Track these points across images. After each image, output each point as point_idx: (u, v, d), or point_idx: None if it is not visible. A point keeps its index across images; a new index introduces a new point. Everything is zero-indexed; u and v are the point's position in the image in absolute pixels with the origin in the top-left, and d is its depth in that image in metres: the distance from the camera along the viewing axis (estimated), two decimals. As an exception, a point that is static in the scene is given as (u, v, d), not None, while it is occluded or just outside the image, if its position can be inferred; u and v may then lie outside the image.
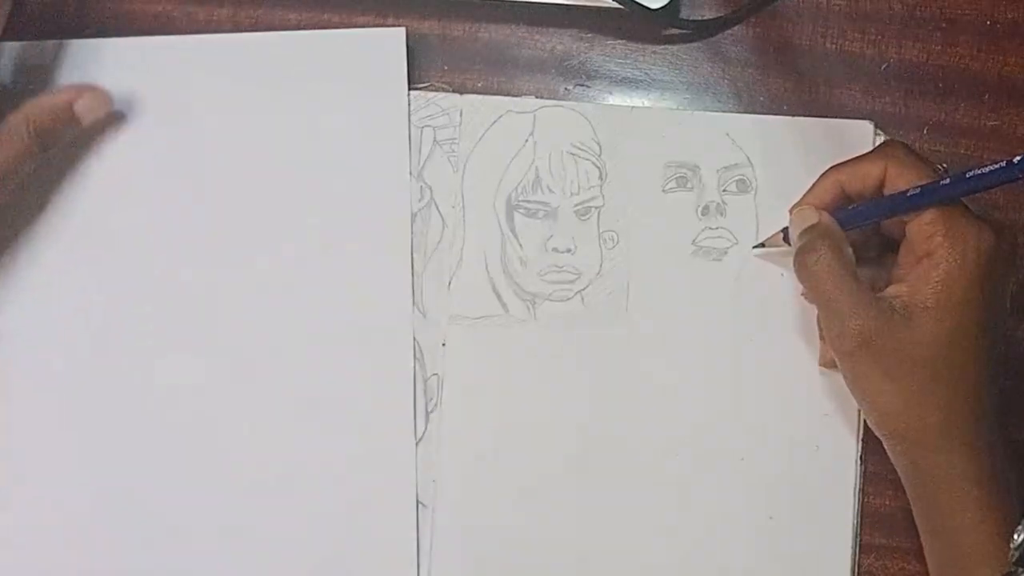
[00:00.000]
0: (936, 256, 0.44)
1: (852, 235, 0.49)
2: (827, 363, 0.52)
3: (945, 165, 0.48)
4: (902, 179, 0.46)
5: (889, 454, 0.47)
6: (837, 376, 0.49)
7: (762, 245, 0.53)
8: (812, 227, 0.48)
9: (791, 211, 0.50)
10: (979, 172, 0.42)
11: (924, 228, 0.45)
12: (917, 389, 0.44)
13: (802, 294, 0.51)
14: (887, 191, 0.47)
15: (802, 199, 0.50)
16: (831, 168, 0.49)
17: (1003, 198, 0.54)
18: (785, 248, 0.51)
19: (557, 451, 0.53)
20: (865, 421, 0.50)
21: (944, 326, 0.44)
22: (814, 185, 0.50)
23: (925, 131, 0.55)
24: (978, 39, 0.55)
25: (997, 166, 0.42)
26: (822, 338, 0.51)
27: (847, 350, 0.46)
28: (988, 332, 0.44)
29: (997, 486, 0.44)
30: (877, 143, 0.53)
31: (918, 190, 0.45)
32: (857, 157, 0.48)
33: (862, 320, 0.45)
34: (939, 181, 0.44)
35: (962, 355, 0.44)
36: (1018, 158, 0.41)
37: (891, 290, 0.45)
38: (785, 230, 0.51)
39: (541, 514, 0.53)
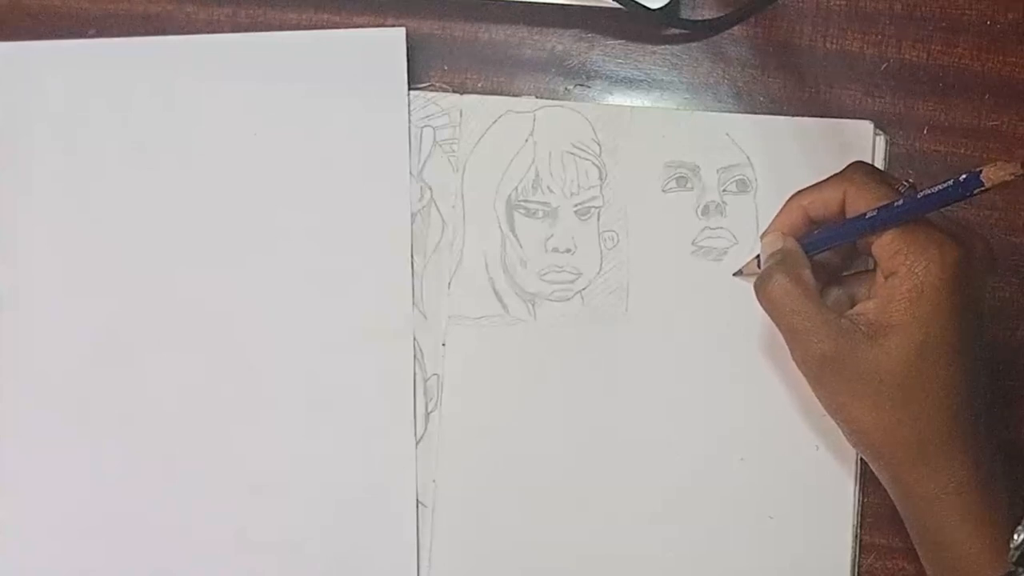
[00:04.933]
0: (900, 274, 0.44)
1: (831, 258, 0.49)
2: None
3: (910, 181, 0.48)
4: (861, 202, 0.46)
5: (875, 472, 0.47)
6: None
7: (740, 273, 0.53)
8: (773, 254, 0.48)
9: (761, 237, 0.50)
10: (930, 192, 0.43)
11: (887, 247, 0.45)
12: (887, 406, 0.44)
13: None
14: (848, 214, 0.47)
15: (770, 225, 0.50)
16: (795, 194, 0.49)
17: (1001, 199, 0.54)
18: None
19: (557, 451, 0.53)
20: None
21: (912, 341, 0.44)
22: (780, 211, 0.49)
23: (925, 131, 0.55)
24: (978, 39, 0.55)
25: (946, 184, 0.42)
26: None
27: (812, 373, 0.46)
28: (962, 343, 0.44)
29: (983, 497, 0.44)
30: (877, 143, 0.54)
31: (875, 212, 0.45)
32: (819, 182, 0.48)
33: (823, 341, 0.45)
34: (894, 203, 0.44)
35: (933, 369, 0.44)
36: (964, 176, 0.41)
37: (859, 308, 0.45)
38: (759, 256, 0.51)
39: (541, 514, 0.53)
